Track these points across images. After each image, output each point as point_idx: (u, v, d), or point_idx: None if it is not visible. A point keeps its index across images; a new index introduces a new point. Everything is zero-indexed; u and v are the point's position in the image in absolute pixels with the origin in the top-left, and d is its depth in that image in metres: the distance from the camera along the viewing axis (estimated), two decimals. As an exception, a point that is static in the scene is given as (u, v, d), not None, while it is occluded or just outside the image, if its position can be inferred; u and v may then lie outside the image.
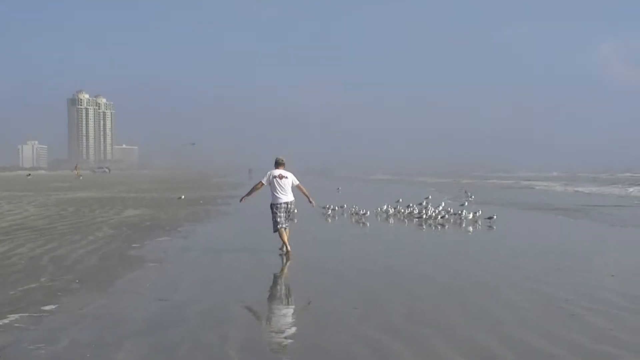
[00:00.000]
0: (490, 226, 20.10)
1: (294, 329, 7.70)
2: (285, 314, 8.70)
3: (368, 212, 22.98)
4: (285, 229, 13.89)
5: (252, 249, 14.77)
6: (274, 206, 13.99)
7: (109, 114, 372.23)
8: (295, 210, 14.79)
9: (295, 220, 15.22)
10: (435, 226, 20.67)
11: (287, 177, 14.00)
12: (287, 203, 13.96)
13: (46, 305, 8.73)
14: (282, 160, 14.24)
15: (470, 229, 19.89)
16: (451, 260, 13.40)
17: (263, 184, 14.09)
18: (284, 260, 13.26)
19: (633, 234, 19.07)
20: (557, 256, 13.76)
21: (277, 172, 14.05)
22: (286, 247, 13.81)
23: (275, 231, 13.93)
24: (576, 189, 50.31)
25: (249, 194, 14.71)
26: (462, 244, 16.86)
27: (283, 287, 10.69)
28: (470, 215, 21.64)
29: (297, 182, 14.21)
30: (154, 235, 17.29)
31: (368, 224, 21.12)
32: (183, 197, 34.66)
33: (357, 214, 23.41)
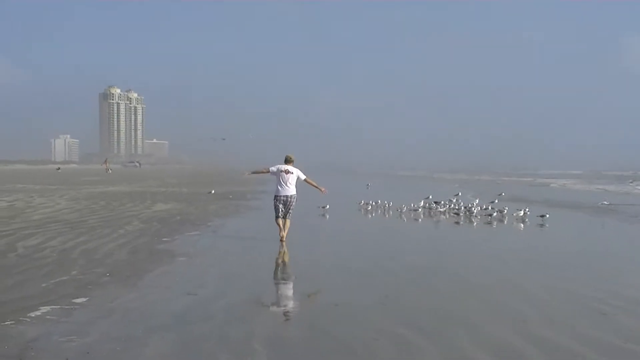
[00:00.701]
0: (542, 224, 19.96)
1: (317, 324, 7.71)
2: (310, 310, 8.72)
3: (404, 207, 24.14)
4: (285, 219, 15.21)
5: (276, 243, 14.82)
6: (275, 198, 15.38)
7: (139, 108, 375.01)
8: (294, 204, 15.44)
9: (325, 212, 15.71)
10: (487, 222, 20.61)
11: (292, 173, 15.27)
12: (286, 196, 15.18)
13: (77, 298, 8.86)
14: (291, 158, 15.46)
15: (521, 225, 19.84)
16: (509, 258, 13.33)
17: (269, 170, 15.42)
18: (280, 248, 14.28)
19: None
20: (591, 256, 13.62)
21: (284, 167, 15.31)
22: (281, 235, 15.07)
23: (276, 218, 15.28)
24: (598, 187, 49.79)
25: (254, 172, 16.41)
26: (516, 242, 16.76)
27: (308, 283, 10.68)
28: (521, 213, 21.77)
29: (304, 177, 15.50)
30: (184, 229, 17.42)
31: (406, 219, 21.09)
32: (213, 191, 34.91)
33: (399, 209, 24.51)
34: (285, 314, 8.58)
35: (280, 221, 15.22)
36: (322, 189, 16.03)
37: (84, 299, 8.79)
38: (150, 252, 13.19)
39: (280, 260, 12.76)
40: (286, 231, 15.16)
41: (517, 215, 21.56)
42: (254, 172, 16.51)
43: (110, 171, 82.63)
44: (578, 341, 6.95)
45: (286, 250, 13.96)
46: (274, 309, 8.79)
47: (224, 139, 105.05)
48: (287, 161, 15.42)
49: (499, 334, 7.29)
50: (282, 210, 15.20)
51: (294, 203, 15.35)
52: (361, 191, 36.94)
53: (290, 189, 15.23)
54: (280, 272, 11.72)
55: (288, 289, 10.21)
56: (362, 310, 8.41)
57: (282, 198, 15.21)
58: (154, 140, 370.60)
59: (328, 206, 22.88)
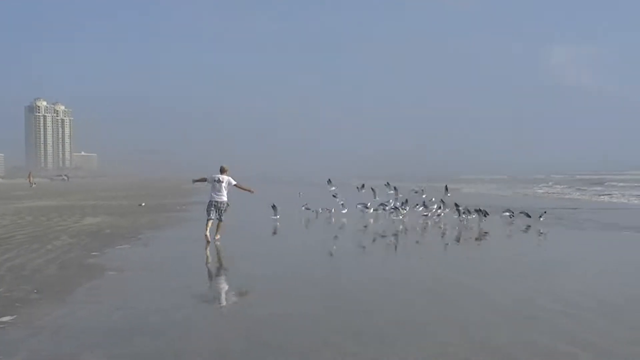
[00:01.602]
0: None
1: (256, 335, 7.66)
2: (248, 321, 8.63)
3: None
4: (219, 221, 17.26)
5: (214, 254, 14.72)
6: (209, 202, 17.44)
7: (67, 121, 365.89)
8: (226, 209, 17.45)
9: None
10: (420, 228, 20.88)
11: (222, 182, 17.28)
12: (218, 202, 17.30)
13: (3, 316, 8.54)
14: (225, 168, 17.58)
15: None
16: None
17: (206, 180, 17.68)
18: (206, 247, 15.98)
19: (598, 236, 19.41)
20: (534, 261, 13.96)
21: (217, 176, 17.41)
22: (206, 236, 16.84)
23: (207, 219, 17.21)
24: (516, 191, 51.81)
25: (196, 180, 18.39)
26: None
27: (246, 294, 10.60)
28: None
29: (234, 182, 17.54)
30: (114, 243, 17.04)
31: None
32: (143, 204, 34.32)
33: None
34: (222, 325, 8.44)
35: (210, 222, 17.09)
36: (252, 190, 18.39)
37: (11, 317, 8.48)
38: (80, 267, 12.86)
39: (214, 271, 12.65)
40: (220, 234, 17.19)
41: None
42: (196, 180, 18.39)
43: (34, 185, 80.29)
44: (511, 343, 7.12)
45: (219, 249, 15.53)
46: (210, 321, 8.62)
47: (154, 151, 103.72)
48: (222, 171, 17.45)
49: (443, 339, 7.40)
50: (215, 213, 17.23)
51: (224, 207, 17.33)
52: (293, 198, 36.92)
53: (222, 196, 17.29)
54: (215, 284, 11.60)
55: (224, 301, 10.09)
56: (302, 320, 8.40)
57: (214, 203, 17.29)
58: (82, 153, 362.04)
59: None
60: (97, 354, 6.84)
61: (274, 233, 20.54)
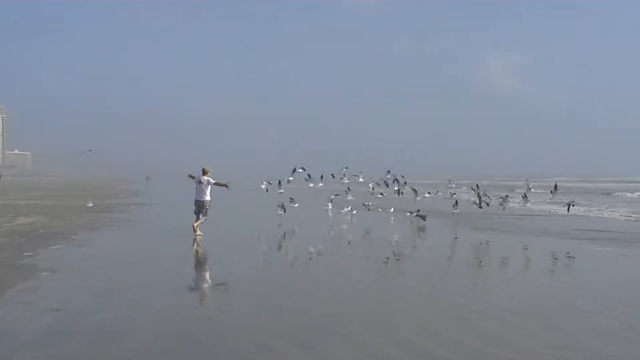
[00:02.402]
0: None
1: (193, 337, 7.61)
2: (185, 323, 8.54)
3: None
4: (200, 219, 18.85)
5: (149, 256, 14.60)
6: (195, 201, 19.22)
7: (0, 118, 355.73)
8: (207, 206, 19.11)
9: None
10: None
11: (203, 183, 19.01)
12: (199, 201, 19.03)
13: None
14: (206, 169, 19.30)
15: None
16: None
17: (194, 178, 19.39)
18: (194, 244, 16.96)
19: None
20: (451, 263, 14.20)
21: (200, 178, 19.14)
22: (195, 232, 18.44)
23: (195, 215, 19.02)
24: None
25: (191, 176, 19.72)
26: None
27: (184, 295, 10.50)
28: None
29: (213, 181, 19.17)
30: (48, 243, 16.65)
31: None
32: (91, 204, 33.29)
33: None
34: (158, 327, 8.29)
35: (195, 221, 18.87)
36: (226, 185, 19.82)
37: (-62, 318, 8.24)
38: (12, 268, 12.52)
39: (150, 271, 12.47)
40: (198, 224, 18.76)
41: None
42: (190, 176, 19.86)
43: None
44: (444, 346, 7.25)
45: (198, 243, 17.16)
46: (144, 322, 8.47)
47: (90, 150, 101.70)
48: (204, 172, 19.28)
49: (374, 341, 7.48)
50: (197, 212, 19.02)
51: (207, 206, 19.06)
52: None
53: (203, 195, 19.04)
54: (151, 285, 11.42)
55: (159, 302, 9.92)
56: (239, 322, 8.39)
57: (197, 202, 19.13)
58: (16, 151, 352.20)
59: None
60: (28, 356, 6.70)
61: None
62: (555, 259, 15.25)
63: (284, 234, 20.66)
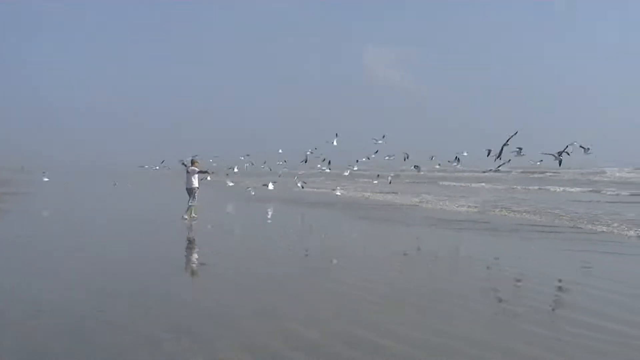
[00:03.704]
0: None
1: (80, 333, 7.40)
2: (74, 317, 8.25)
3: None
4: (192, 204, 20.98)
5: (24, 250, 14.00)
6: (185, 188, 21.25)
7: None
8: (196, 194, 21.13)
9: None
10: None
11: (190, 173, 21.08)
12: (188, 188, 21.12)
13: None
14: (195, 160, 21.34)
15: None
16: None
17: (186, 166, 21.54)
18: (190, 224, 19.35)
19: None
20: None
21: (189, 167, 21.15)
22: (189, 215, 20.75)
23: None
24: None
25: (183, 163, 22.09)
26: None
27: (70, 290, 10.07)
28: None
29: (197, 170, 21.15)
30: None
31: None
32: None
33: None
34: (47, 324, 7.96)
35: (188, 206, 20.93)
36: (208, 176, 22.84)
37: None
38: None
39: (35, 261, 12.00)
40: (195, 214, 20.96)
41: None
42: (182, 163, 22.37)
43: None
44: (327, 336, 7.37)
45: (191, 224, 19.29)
46: (30, 318, 8.15)
47: None
48: (192, 163, 21.30)
49: (261, 333, 7.49)
50: (189, 197, 21.02)
51: (195, 192, 21.05)
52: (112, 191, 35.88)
53: (192, 184, 21.05)
54: (40, 280, 10.92)
55: (46, 299, 9.48)
56: (125, 316, 8.22)
57: (187, 189, 21.14)
58: None
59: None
60: None
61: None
62: (433, 247, 15.74)
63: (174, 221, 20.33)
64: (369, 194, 38.66)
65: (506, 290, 10.57)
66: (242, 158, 27.68)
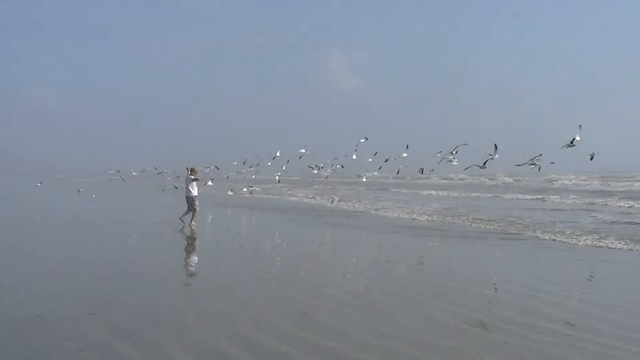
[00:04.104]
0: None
1: (17, 338, 7.19)
2: (10, 322, 8.03)
3: None
4: (191, 211, 20.99)
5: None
6: (185, 197, 21.31)
7: None
8: (197, 202, 21.13)
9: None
10: None
11: (188, 181, 21.20)
12: (188, 197, 21.15)
13: None
14: (194, 169, 21.42)
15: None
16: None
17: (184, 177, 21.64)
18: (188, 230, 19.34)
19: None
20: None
21: (188, 176, 21.26)
22: (190, 222, 20.74)
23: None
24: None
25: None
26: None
27: (9, 294, 9.84)
28: None
29: (193, 178, 21.16)
30: None
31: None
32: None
33: None
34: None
35: (185, 213, 21.15)
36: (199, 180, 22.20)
37: None
38: None
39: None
40: (193, 219, 20.89)
41: None
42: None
43: None
44: (282, 340, 7.28)
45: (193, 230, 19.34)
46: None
47: None
48: (191, 171, 21.35)
49: (208, 336, 7.40)
50: (188, 206, 21.10)
51: (195, 201, 21.06)
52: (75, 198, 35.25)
53: (192, 192, 21.11)
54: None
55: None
56: (67, 320, 8.01)
57: (186, 198, 21.16)
58: None
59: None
60: None
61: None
62: (388, 253, 15.85)
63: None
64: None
65: (460, 294, 10.62)
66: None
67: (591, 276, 13.00)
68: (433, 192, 49.72)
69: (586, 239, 17.96)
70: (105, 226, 21.00)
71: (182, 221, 20.99)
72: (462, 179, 73.53)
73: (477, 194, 45.73)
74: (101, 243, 16.61)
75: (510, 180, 65.37)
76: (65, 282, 10.68)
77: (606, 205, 32.98)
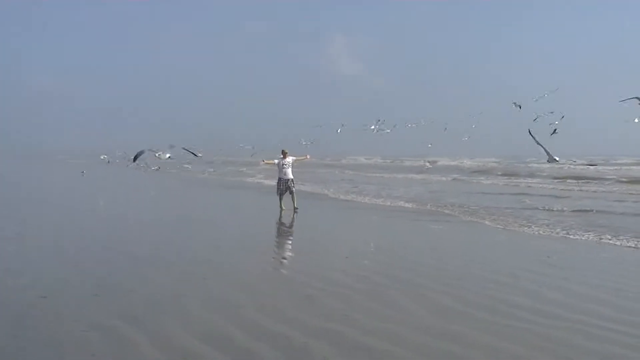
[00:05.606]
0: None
1: (23, 320, 7.20)
2: (15, 304, 8.05)
3: None
4: (291, 194, 20.67)
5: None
6: (278, 180, 20.98)
7: None
8: (293, 185, 20.89)
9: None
10: None
11: (287, 163, 20.80)
12: (285, 180, 20.70)
13: None
14: (285, 151, 21.01)
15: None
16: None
17: (275, 163, 21.01)
18: (290, 217, 19.14)
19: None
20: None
21: (281, 161, 20.75)
22: (281, 207, 20.51)
23: (277, 194, 20.96)
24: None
25: (266, 162, 21.88)
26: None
27: (15, 274, 9.84)
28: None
29: (294, 158, 21.16)
30: None
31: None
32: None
33: None
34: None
35: (281, 198, 20.77)
36: (308, 156, 22.59)
37: None
38: None
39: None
40: (295, 201, 20.66)
41: None
42: (266, 162, 21.86)
43: None
44: (286, 324, 7.30)
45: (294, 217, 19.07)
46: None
47: None
48: (283, 154, 20.94)
49: (212, 320, 7.41)
50: (282, 189, 20.77)
51: (291, 183, 20.73)
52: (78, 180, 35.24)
53: (288, 175, 20.72)
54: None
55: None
56: (72, 302, 8.03)
57: (282, 180, 20.74)
58: None
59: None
60: None
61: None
62: (390, 235, 15.81)
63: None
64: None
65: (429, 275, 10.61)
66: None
67: (596, 261, 12.97)
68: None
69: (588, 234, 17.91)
70: (108, 209, 21.01)
71: (283, 208, 20.60)
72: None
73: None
74: (105, 227, 16.64)
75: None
76: (69, 264, 10.70)
77: None
